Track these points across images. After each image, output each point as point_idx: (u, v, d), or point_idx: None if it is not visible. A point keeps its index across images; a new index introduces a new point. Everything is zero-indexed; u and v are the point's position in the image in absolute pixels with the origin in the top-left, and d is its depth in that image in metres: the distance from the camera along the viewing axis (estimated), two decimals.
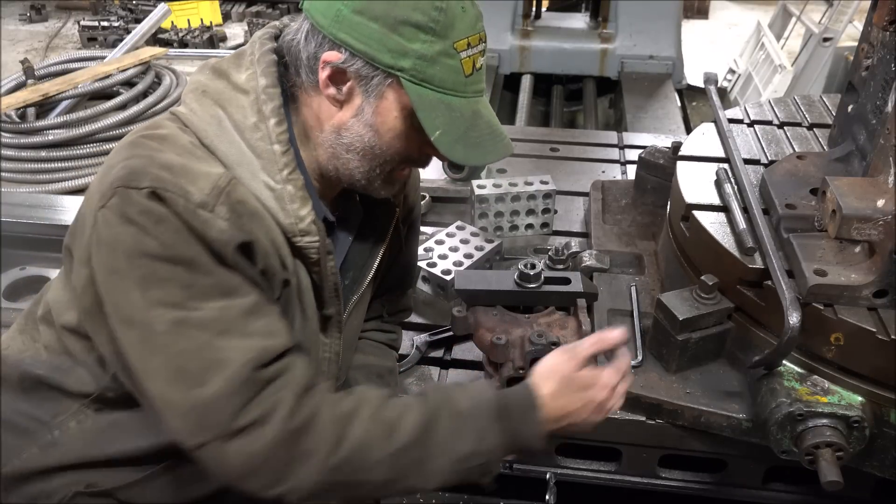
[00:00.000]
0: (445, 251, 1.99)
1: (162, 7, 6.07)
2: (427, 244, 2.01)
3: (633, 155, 2.62)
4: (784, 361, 1.44)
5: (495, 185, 2.17)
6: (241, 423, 1.01)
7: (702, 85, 2.27)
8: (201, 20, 7.08)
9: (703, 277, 1.50)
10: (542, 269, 1.55)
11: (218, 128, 1.12)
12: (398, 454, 1.09)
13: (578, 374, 1.22)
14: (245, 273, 1.08)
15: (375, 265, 1.41)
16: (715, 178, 1.76)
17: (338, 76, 1.12)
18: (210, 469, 1.05)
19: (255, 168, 1.11)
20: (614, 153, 2.76)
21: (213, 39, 6.82)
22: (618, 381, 1.26)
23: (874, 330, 1.31)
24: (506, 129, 1.22)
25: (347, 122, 1.15)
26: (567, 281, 1.57)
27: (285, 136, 1.13)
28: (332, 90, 1.14)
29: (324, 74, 1.12)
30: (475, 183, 2.18)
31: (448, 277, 1.88)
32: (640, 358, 1.60)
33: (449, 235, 2.06)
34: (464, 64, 1.12)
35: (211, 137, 1.11)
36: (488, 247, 2.02)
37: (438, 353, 1.80)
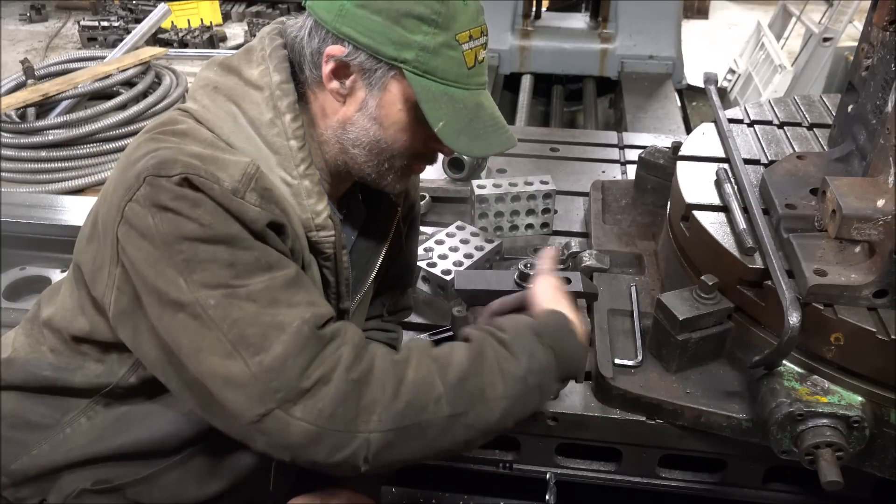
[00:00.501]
0: (445, 251, 1.99)
1: (162, 7, 6.07)
2: (427, 244, 2.01)
3: (633, 155, 2.62)
4: (784, 361, 1.44)
5: (495, 185, 2.17)
6: (307, 383, 0.99)
7: (702, 85, 2.27)
8: (201, 20, 7.09)
9: (703, 277, 1.50)
10: None
11: (233, 124, 1.12)
12: (457, 386, 1.07)
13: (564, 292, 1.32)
14: (280, 249, 1.08)
15: (378, 264, 1.42)
16: (715, 178, 1.76)
17: (341, 70, 1.13)
18: (271, 443, 1.02)
19: (272, 164, 1.12)
20: (614, 153, 2.76)
21: (213, 39, 6.83)
22: None
23: (874, 330, 1.31)
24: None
25: (352, 116, 1.16)
26: (567, 281, 1.57)
27: (301, 132, 1.14)
28: (335, 84, 1.14)
29: (327, 69, 1.13)
30: (475, 183, 2.18)
31: (448, 277, 1.88)
32: (640, 358, 1.60)
33: (449, 235, 2.06)
34: (466, 56, 1.12)
35: (227, 134, 1.12)
36: (488, 247, 2.02)
37: None
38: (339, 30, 1.10)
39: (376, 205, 1.40)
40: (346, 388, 1.01)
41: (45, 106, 4.62)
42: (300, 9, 1.17)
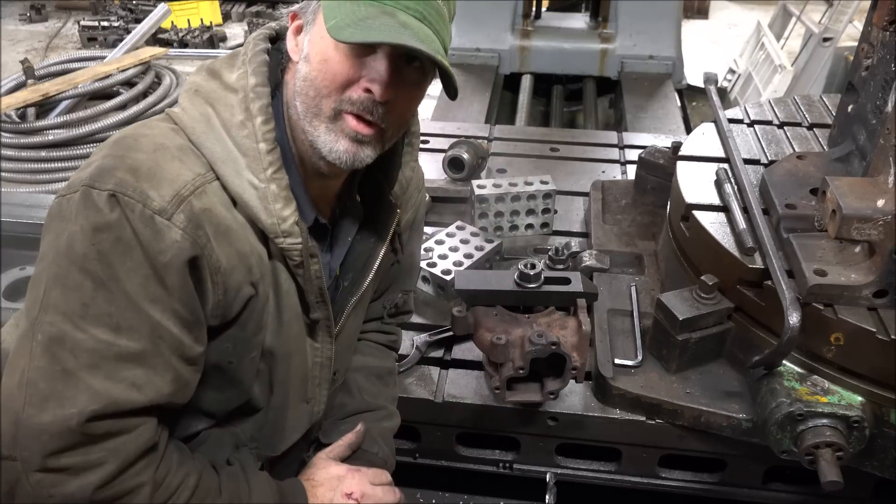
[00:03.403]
0: (445, 251, 1.99)
1: (162, 7, 6.07)
2: (427, 244, 2.01)
3: (633, 155, 2.62)
4: (784, 361, 1.44)
5: (495, 185, 2.17)
6: (49, 464, 1.00)
7: (702, 85, 2.27)
8: (201, 20, 7.09)
9: (703, 277, 1.50)
10: (542, 269, 1.55)
11: (206, 125, 1.12)
12: None
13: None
14: (178, 294, 1.05)
15: (375, 266, 1.41)
16: (715, 178, 1.76)
17: (299, 28, 1.15)
18: (2, 482, 1.03)
19: (241, 166, 1.11)
20: (614, 153, 2.76)
21: (213, 39, 6.83)
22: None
23: (874, 330, 1.31)
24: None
25: (298, 66, 1.15)
26: (567, 281, 1.57)
27: (272, 135, 1.13)
28: (292, 43, 1.16)
29: (291, 28, 1.15)
30: (475, 183, 2.18)
31: (448, 277, 1.88)
32: (640, 358, 1.60)
33: (449, 235, 2.06)
34: None
35: (198, 135, 1.12)
36: (488, 247, 2.02)
37: (438, 353, 1.80)
38: None
39: (375, 205, 1.40)
40: (82, 497, 1.01)
41: (45, 106, 4.62)
42: None
